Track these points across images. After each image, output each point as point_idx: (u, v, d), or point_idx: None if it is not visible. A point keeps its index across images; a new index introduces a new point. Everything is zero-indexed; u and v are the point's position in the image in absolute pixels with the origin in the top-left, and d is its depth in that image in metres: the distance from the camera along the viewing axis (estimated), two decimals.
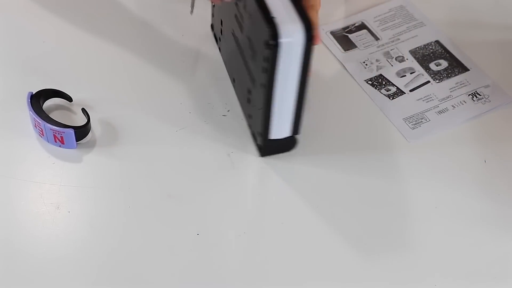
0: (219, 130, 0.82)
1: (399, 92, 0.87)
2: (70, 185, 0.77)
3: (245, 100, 0.81)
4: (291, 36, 0.68)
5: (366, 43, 0.93)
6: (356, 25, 0.95)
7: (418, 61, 0.91)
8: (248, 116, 0.81)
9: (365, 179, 0.79)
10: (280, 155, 0.80)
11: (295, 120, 0.76)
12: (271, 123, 0.76)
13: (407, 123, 0.84)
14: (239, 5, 0.76)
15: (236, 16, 0.78)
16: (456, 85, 0.89)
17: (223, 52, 0.89)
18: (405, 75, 0.89)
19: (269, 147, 0.79)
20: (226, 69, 0.88)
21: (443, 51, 0.92)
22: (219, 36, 0.89)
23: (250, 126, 0.82)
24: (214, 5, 0.89)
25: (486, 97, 0.87)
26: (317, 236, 0.74)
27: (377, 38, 0.94)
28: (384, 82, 0.88)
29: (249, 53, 0.75)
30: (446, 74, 0.90)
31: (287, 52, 0.69)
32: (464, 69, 0.90)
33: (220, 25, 0.87)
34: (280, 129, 0.77)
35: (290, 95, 0.73)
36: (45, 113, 0.80)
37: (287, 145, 0.79)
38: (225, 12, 0.83)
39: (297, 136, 0.79)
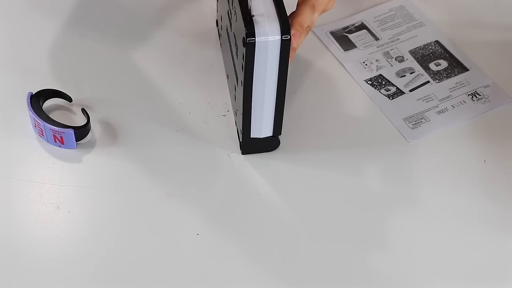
0: (219, 130, 0.82)
1: (399, 92, 0.87)
2: (70, 185, 0.77)
3: (233, 97, 0.81)
4: (266, 35, 0.69)
5: (366, 43, 0.93)
6: (356, 25, 0.95)
7: (418, 61, 0.91)
8: (235, 113, 0.82)
9: (365, 179, 0.79)
10: (280, 155, 0.80)
11: (275, 120, 0.77)
12: (250, 121, 0.76)
13: (407, 123, 0.84)
14: (229, 1, 0.77)
15: (228, 12, 0.79)
16: (456, 85, 0.89)
17: (222, 49, 0.89)
18: (405, 75, 0.89)
19: (249, 145, 0.79)
20: (224, 66, 0.88)
21: (442, 51, 0.92)
22: (220, 33, 0.90)
23: (235, 122, 0.82)
24: (218, 0, 0.89)
25: (486, 97, 0.87)
26: (318, 237, 0.74)
27: (377, 38, 0.94)
28: (384, 82, 0.88)
29: (234, 50, 0.76)
30: (446, 74, 0.90)
31: (263, 51, 0.70)
32: (464, 69, 0.90)
33: (221, 21, 0.88)
34: (259, 128, 0.77)
35: (269, 95, 0.74)
36: (45, 113, 0.80)
37: (269, 144, 0.80)
38: (223, 7, 0.83)
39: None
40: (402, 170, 0.80)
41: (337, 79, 0.89)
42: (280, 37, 0.70)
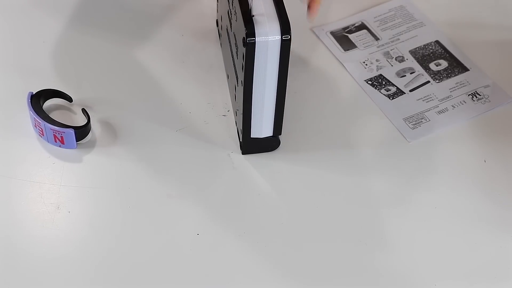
0: (219, 130, 0.82)
1: (399, 92, 0.87)
2: (70, 185, 0.77)
3: (233, 97, 0.81)
4: (266, 35, 0.69)
5: (366, 43, 0.93)
6: (356, 25, 0.95)
7: (418, 61, 0.91)
8: (235, 113, 0.82)
9: (366, 179, 0.79)
10: (280, 155, 0.80)
11: (276, 120, 0.77)
12: (251, 121, 0.76)
13: (407, 123, 0.84)
14: (229, 1, 0.77)
15: (228, 12, 0.79)
16: (456, 85, 0.89)
17: (222, 49, 0.89)
18: (405, 75, 0.89)
19: (249, 145, 0.79)
20: (224, 65, 0.88)
21: (443, 51, 0.92)
22: (220, 32, 0.90)
23: (236, 122, 0.82)
24: (218, 0, 0.89)
25: (486, 97, 0.87)
26: (318, 237, 0.74)
27: (377, 38, 0.94)
28: (384, 82, 0.88)
29: (234, 50, 0.76)
30: (446, 74, 0.90)
31: (263, 51, 0.70)
32: (464, 69, 0.90)
33: (221, 21, 0.88)
34: (260, 128, 0.77)
35: (269, 95, 0.74)
36: (45, 113, 0.80)
37: (269, 144, 0.80)
38: (223, 7, 0.84)
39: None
40: (402, 170, 0.80)
41: (337, 79, 0.89)
42: (280, 37, 0.70)
